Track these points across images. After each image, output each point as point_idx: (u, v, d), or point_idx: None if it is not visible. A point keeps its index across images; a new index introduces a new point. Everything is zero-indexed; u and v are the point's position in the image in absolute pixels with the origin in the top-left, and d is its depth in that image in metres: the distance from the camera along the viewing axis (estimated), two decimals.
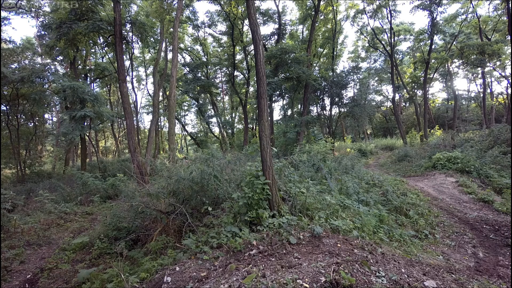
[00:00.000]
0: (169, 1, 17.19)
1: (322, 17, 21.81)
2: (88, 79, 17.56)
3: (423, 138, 19.93)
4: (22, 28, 44.10)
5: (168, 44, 20.52)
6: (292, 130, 16.88)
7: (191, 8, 21.68)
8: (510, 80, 22.93)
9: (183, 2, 17.40)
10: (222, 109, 32.59)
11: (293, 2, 21.85)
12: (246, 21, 20.68)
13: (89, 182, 9.65)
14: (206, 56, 26.06)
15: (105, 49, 18.00)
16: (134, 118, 20.74)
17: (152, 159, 11.87)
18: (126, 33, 13.54)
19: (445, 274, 2.31)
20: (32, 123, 19.20)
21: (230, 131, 27.39)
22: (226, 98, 33.22)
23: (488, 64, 20.77)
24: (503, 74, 24.10)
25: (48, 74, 14.79)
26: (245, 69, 24.44)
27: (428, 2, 18.09)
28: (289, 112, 19.97)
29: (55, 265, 4.51)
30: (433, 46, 21.42)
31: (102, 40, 13.92)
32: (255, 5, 7.01)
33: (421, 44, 24.93)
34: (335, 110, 22.71)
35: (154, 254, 4.05)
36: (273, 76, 16.49)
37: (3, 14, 15.19)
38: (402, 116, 28.56)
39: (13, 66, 16.05)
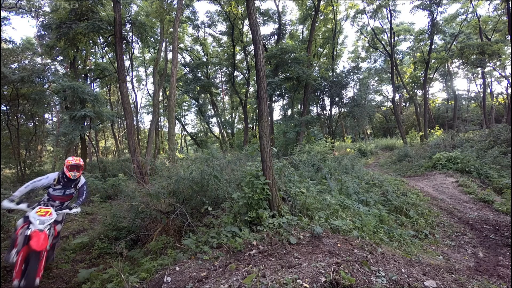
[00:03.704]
0: (169, 1, 17.18)
1: (322, 17, 21.80)
2: (88, 79, 17.55)
3: (423, 138, 19.92)
4: (22, 28, 44.11)
5: (168, 44, 20.51)
6: (292, 130, 16.87)
7: (191, 8, 21.68)
8: (510, 80, 22.93)
9: (183, 2, 17.39)
10: (222, 109, 32.58)
11: (293, 2, 21.87)
12: (246, 21, 20.68)
13: (89, 182, 9.64)
14: (206, 56, 26.05)
15: (105, 49, 18.00)
16: (134, 118, 20.73)
17: (152, 159, 11.88)
18: (126, 33, 13.54)
19: (445, 274, 2.31)
20: (32, 123, 19.20)
21: (230, 131, 27.38)
22: (226, 98, 33.23)
23: (488, 64, 20.76)
24: (503, 74, 24.10)
25: (48, 74, 14.79)
26: (245, 69, 24.43)
27: (428, 2, 18.09)
28: (289, 112, 19.97)
29: (55, 265, 4.50)
30: (433, 46, 21.42)
31: (102, 40, 13.91)
32: (255, 5, 7.01)
33: (421, 44, 24.93)
34: (335, 110, 22.74)
35: (154, 254, 4.05)
36: (273, 76, 16.48)
37: (3, 14, 15.19)
38: (402, 116, 28.55)
39: (13, 66, 16.04)
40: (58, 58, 17.16)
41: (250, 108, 25.16)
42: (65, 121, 14.30)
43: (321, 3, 18.77)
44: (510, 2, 12.56)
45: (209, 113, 26.62)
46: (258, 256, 2.72)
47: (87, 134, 16.51)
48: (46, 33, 15.85)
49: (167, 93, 22.20)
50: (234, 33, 21.38)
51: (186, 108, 31.27)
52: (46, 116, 24.29)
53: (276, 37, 20.71)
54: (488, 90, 29.81)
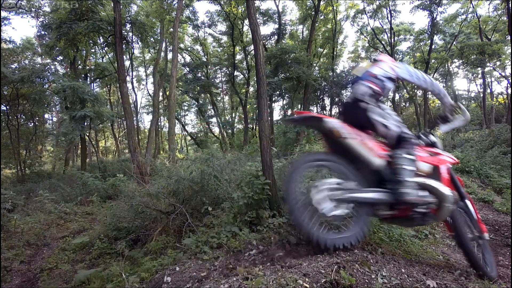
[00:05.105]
0: (169, 1, 17.20)
1: (322, 17, 21.80)
2: (88, 79, 17.56)
3: None
4: (22, 28, 44.13)
5: (168, 44, 20.52)
6: (292, 130, 16.87)
7: (191, 8, 21.68)
8: (510, 80, 22.93)
9: (183, 2, 17.39)
10: (222, 109, 32.56)
11: (293, 2, 21.85)
12: (246, 21, 20.67)
13: (89, 182, 9.63)
14: (206, 56, 26.05)
15: (105, 49, 18.00)
16: (134, 118, 20.73)
17: (152, 159, 11.87)
18: (126, 33, 13.54)
19: (445, 274, 2.31)
20: (32, 123, 19.21)
21: (230, 131, 27.37)
22: (226, 98, 33.19)
23: (488, 64, 20.77)
24: (503, 74, 24.10)
25: (48, 74, 14.81)
26: (245, 69, 24.43)
27: (428, 2, 18.09)
28: (289, 112, 19.98)
29: (55, 265, 4.51)
30: (433, 46, 21.42)
31: (102, 40, 13.92)
32: (255, 5, 7.01)
33: (421, 44, 24.89)
34: (335, 110, 22.74)
35: (154, 254, 4.05)
36: (273, 76, 16.49)
37: (3, 14, 15.18)
38: (402, 116, 28.50)
39: (13, 66, 16.04)
40: (58, 58, 17.17)
41: (250, 108, 25.15)
42: (65, 121, 14.32)
43: (321, 3, 18.77)
44: (510, 2, 12.56)
45: (209, 113, 26.60)
46: (258, 256, 2.72)
47: (87, 134, 16.52)
48: (46, 33, 15.85)
49: (167, 93, 22.19)
50: (234, 33, 21.37)
51: (186, 108, 31.22)
52: (46, 116, 24.34)
53: (276, 37, 20.72)
54: (488, 90, 29.83)
